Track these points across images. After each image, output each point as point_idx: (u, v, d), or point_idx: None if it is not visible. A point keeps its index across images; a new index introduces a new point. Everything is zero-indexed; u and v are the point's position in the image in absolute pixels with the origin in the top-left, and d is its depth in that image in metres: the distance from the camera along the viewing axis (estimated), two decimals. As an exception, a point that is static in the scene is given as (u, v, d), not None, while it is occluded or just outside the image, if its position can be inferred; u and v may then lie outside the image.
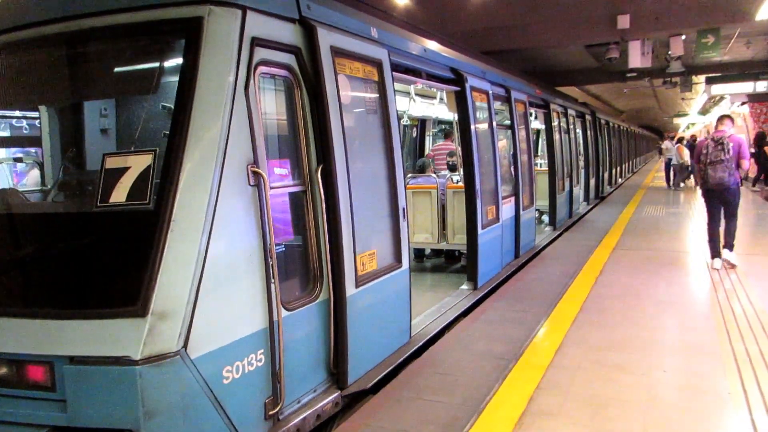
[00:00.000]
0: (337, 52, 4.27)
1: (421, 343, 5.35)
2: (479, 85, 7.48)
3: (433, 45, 6.48)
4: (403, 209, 5.12)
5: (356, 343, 4.30)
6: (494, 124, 7.93)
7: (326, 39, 4.18)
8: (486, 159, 7.52)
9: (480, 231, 7.00)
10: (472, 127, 6.91)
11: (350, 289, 4.22)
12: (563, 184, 12.13)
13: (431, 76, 6.31)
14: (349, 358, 4.22)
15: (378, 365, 4.68)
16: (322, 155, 4.07)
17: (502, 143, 9.48)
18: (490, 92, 7.84)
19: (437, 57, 6.40)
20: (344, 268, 4.14)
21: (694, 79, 24.15)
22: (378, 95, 4.98)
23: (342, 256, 4.12)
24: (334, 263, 4.10)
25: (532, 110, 10.72)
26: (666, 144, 22.52)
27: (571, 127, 13.76)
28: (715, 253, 8.25)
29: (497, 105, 9.23)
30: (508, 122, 9.16)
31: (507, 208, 8.43)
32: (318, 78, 4.04)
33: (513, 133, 9.01)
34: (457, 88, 6.83)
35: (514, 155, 8.97)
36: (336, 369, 4.20)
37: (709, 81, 22.56)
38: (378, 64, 4.93)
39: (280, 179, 4.00)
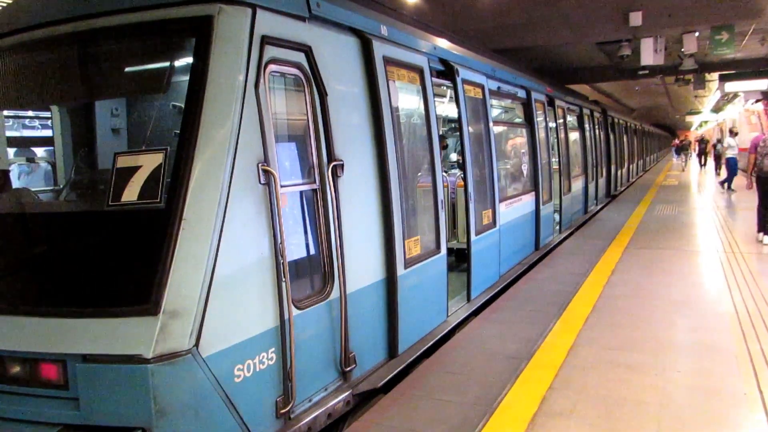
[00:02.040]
0: (388, 62, 4.88)
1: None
2: (482, 81, 7.24)
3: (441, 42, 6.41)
4: (441, 201, 5.61)
5: (404, 317, 4.82)
6: (491, 123, 7.46)
7: (380, 50, 4.75)
8: (483, 158, 7.14)
9: (473, 238, 6.51)
10: (466, 127, 6.54)
11: (400, 269, 4.75)
12: (569, 184, 12.00)
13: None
14: (399, 329, 4.73)
15: (422, 338, 5.26)
16: (377, 153, 4.61)
17: (516, 141, 9.46)
18: (486, 86, 7.47)
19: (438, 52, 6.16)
20: (395, 251, 4.66)
21: (707, 76, 23.87)
22: (421, 98, 5.55)
23: (394, 241, 4.65)
24: (386, 247, 4.64)
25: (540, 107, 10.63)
26: (729, 140, 19.55)
27: (582, 125, 13.66)
28: (761, 229, 9.75)
29: (509, 103, 9.19)
30: (524, 121, 9.13)
31: (519, 206, 8.39)
32: (373, 85, 4.60)
33: (533, 132, 9.11)
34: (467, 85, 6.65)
35: (534, 153, 9.10)
36: (386, 341, 4.71)
37: (723, 78, 22.28)
38: (420, 71, 5.48)
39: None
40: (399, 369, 4.65)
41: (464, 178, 6.50)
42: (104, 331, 2.97)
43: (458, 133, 6.81)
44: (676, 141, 48.01)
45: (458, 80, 6.42)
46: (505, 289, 7.32)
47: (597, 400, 4.16)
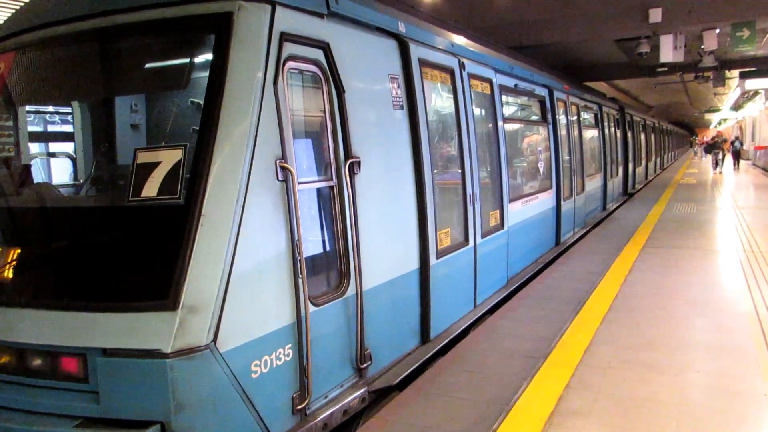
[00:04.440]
0: (423, 63, 5.11)
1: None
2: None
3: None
4: (470, 195, 5.81)
5: (436, 305, 5.07)
6: (499, 120, 7.11)
7: (416, 53, 4.96)
8: (491, 157, 6.88)
9: (478, 241, 6.08)
10: (473, 122, 6.21)
11: (432, 259, 4.98)
12: (583, 182, 11.85)
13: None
14: (431, 315, 5.00)
15: (452, 325, 5.51)
16: (412, 149, 4.83)
17: (530, 139, 9.41)
18: (495, 81, 7.13)
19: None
20: (429, 242, 4.89)
21: (727, 73, 23.52)
22: (451, 95, 5.76)
23: (428, 232, 4.89)
24: (421, 238, 4.89)
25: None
26: None
27: (599, 123, 13.53)
28: None
29: (523, 100, 9.12)
30: (540, 118, 9.13)
31: (534, 205, 8.34)
32: (409, 85, 4.83)
33: (550, 130, 9.24)
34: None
35: (551, 151, 9.29)
36: (421, 328, 5.00)
37: (743, 75, 21.98)
38: (451, 72, 5.70)
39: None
40: (414, 366, 4.64)
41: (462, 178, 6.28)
42: (124, 326, 3.00)
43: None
44: (706, 138, 45.36)
45: (464, 74, 6.16)
46: (521, 286, 7.28)
47: (614, 400, 4.13)
